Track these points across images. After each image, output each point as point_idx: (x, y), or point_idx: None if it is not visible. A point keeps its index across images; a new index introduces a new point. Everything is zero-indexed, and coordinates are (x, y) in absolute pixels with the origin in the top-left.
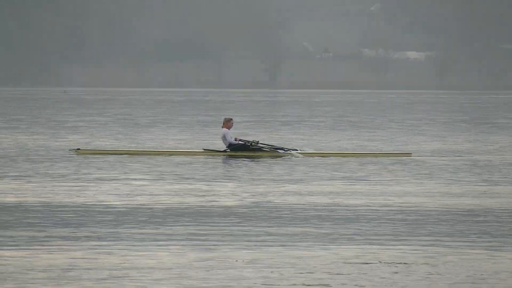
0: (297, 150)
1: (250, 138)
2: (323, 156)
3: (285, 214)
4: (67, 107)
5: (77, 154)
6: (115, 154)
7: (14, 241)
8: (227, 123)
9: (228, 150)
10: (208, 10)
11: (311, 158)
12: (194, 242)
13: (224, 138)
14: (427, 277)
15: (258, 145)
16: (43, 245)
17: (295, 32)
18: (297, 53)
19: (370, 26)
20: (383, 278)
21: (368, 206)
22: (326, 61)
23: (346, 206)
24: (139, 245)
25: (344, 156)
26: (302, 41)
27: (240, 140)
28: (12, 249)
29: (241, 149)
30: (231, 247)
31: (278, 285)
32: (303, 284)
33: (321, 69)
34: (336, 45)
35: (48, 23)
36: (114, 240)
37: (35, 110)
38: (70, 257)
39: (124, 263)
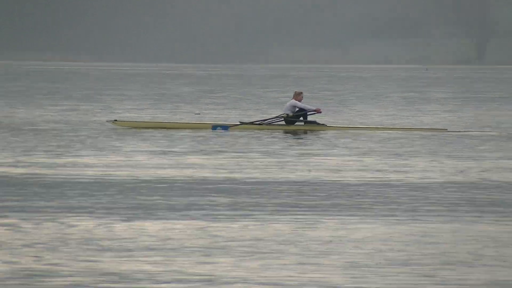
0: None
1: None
2: (352, 130)
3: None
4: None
5: (115, 126)
6: (151, 128)
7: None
8: (298, 96)
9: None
10: None
11: (341, 131)
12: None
13: (292, 107)
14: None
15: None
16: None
17: (505, 8)
18: (507, 28)
19: None
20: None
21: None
22: None
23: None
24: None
25: (376, 130)
26: None
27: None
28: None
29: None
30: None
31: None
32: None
33: None
34: None
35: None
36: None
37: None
38: (111, 228)
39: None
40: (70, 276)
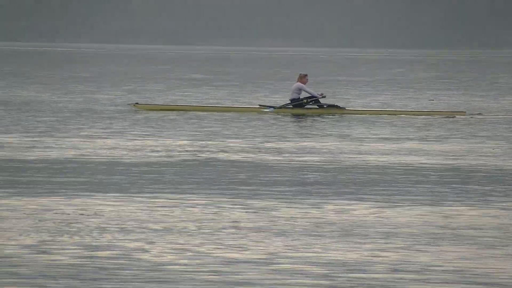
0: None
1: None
2: (373, 114)
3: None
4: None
5: (136, 109)
6: (172, 110)
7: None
8: (302, 79)
9: (290, 104)
10: None
11: (364, 115)
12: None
13: (298, 90)
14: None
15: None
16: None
17: None
18: None
19: None
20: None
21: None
22: None
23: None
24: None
25: (393, 114)
26: None
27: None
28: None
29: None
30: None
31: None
32: None
33: None
34: None
35: None
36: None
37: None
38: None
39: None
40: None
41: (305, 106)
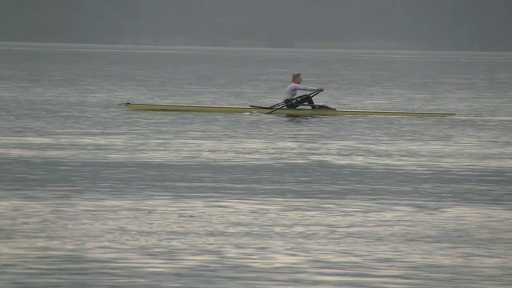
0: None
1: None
2: (362, 115)
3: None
4: None
5: (128, 109)
6: (164, 110)
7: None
8: (296, 79)
9: (284, 105)
10: None
11: (355, 117)
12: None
13: (293, 91)
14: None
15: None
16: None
17: None
18: None
19: None
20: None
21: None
22: None
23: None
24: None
25: (386, 115)
26: None
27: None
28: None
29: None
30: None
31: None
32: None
33: None
34: None
35: None
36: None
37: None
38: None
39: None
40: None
41: (296, 107)
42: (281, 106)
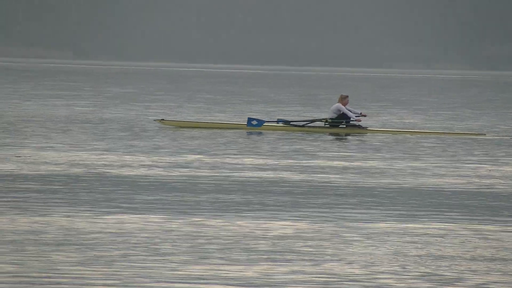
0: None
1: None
2: (393, 134)
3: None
4: None
5: (162, 124)
6: (197, 127)
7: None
8: (343, 100)
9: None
10: None
11: (382, 135)
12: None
13: (337, 110)
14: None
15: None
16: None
17: None
18: None
19: None
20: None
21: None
22: None
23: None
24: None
25: (415, 134)
26: None
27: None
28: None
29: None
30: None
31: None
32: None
33: None
34: None
35: None
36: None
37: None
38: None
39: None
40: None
41: (339, 126)
42: (313, 121)
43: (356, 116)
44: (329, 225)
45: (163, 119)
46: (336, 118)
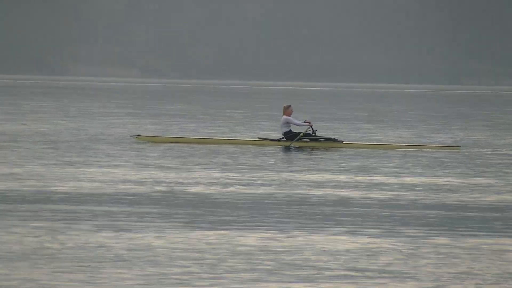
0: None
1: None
2: (365, 148)
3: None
4: None
5: (137, 140)
6: (173, 142)
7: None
8: (287, 110)
9: (284, 139)
10: None
11: (359, 149)
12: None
13: (286, 124)
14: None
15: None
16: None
17: None
18: None
19: None
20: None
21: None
22: None
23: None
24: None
25: (389, 148)
26: None
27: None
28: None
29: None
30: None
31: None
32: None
33: None
34: None
35: None
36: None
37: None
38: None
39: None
40: None
41: (300, 140)
42: (280, 138)
43: (303, 122)
44: None
45: (139, 135)
46: (288, 131)
